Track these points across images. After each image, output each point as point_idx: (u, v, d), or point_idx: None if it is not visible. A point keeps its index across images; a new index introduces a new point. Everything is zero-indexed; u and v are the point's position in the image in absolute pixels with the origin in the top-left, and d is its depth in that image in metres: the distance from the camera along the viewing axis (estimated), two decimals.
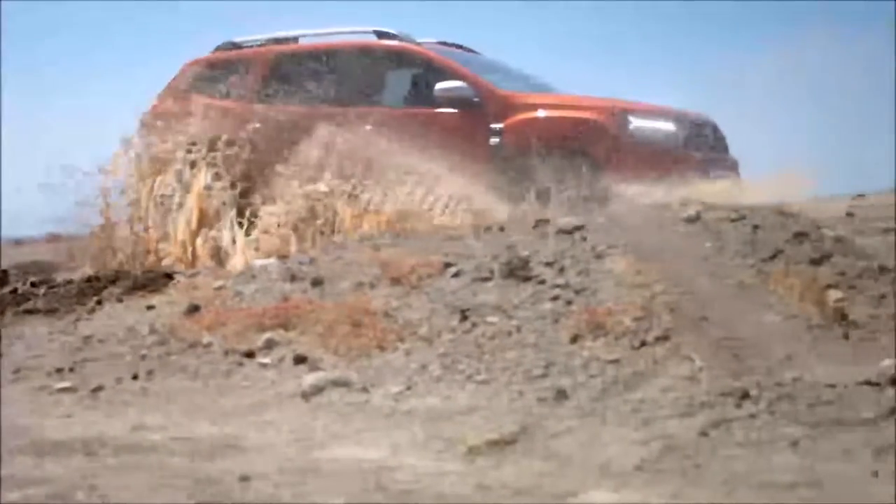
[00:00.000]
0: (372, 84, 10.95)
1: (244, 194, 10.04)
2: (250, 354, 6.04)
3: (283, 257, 7.91)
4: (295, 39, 11.56)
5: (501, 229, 7.53)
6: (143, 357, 6.20)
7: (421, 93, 10.67)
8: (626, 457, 4.20)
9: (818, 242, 6.72)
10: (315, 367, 5.76)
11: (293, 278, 6.97)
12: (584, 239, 7.04)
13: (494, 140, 10.05)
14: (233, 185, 10.00)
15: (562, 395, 5.19)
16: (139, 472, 4.20)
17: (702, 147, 10.43)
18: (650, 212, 7.80)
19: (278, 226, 9.50)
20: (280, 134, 10.34)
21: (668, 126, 10.24)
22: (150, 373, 6.01)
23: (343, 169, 9.80)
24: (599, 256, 6.75)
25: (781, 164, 10.19)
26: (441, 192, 9.36)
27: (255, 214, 9.80)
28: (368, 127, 10.12)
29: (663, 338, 5.69)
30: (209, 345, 6.20)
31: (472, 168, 9.60)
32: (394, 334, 6.06)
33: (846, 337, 5.71)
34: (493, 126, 10.10)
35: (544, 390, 5.27)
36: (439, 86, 10.28)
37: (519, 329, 5.99)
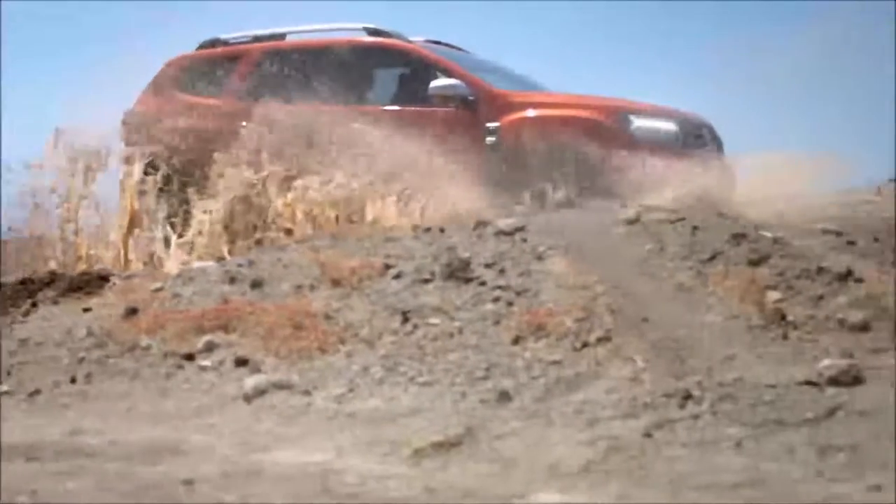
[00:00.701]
0: (362, 82, 10.76)
1: (183, 189, 9.91)
2: (190, 357, 5.97)
3: (220, 259, 7.85)
4: (282, 36, 11.35)
5: (441, 230, 7.51)
6: (81, 360, 6.10)
7: (412, 91, 10.50)
8: (572, 458, 4.20)
9: (756, 244, 6.77)
10: (256, 370, 5.70)
11: (232, 280, 6.90)
12: (525, 240, 7.05)
13: (491, 139, 9.91)
14: (167, 181, 9.89)
15: (505, 396, 5.18)
16: (80, 476, 4.13)
17: (700, 147, 10.31)
18: (590, 213, 7.83)
19: (209, 223, 9.38)
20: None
21: (669, 126, 10.13)
22: (88, 376, 5.93)
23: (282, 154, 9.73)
24: (540, 258, 6.76)
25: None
26: (399, 187, 9.26)
27: (189, 212, 9.68)
28: (356, 125, 9.95)
29: (605, 339, 5.70)
30: (148, 347, 6.12)
31: (460, 166, 9.47)
32: (335, 336, 6.02)
33: (785, 337, 5.74)
34: (489, 125, 9.96)
35: (487, 392, 5.27)
36: (434, 83, 10.14)
37: (461, 330, 5.99)
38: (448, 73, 10.30)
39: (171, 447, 4.58)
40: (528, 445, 4.44)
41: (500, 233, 7.22)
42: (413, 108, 10.30)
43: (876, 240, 7.21)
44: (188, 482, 3.98)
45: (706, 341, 5.69)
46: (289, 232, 9.13)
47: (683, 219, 7.22)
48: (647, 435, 4.42)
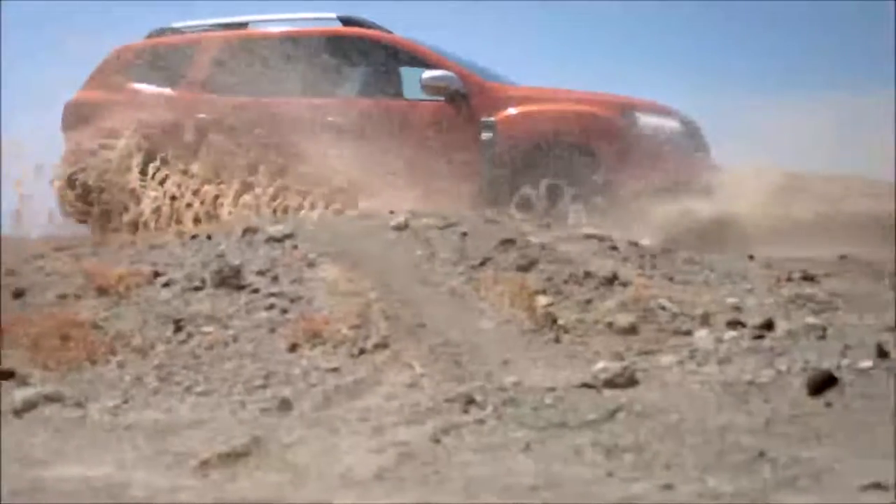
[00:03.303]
0: (334, 74, 10.12)
1: None
2: None
3: None
4: (244, 25, 10.70)
5: (209, 237, 7.39)
6: None
7: (391, 83, 10.05)
8: (363, 465, 4.17)
9: (525, 249, 6.90)
10: (24, 383, 5.47)
11: None
12: (295, 247, 7.01)
13: (487, 135, 9.45)
14: None
15: (285, 404, 5.12)
16: None
17: (698, 148, 10.02)
18: (359, 220, 7.83)
19: None
20: None
21: (673, 123, 9.78)
22: None
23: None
24: (312, 264, 6.73)
25: None
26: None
27: None
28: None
29: (382, 345, 5.72)
30: None
31: (449, 163, 9.19)
32: (105, 346, 5.86)
33: (557, 341, 5.87)
34: (484, 120, 9.52)
35: (266, 400, 5.20)
36: (426, 74, 9.57)
37: (235, 339, 5.91)
38: (434, 65, 9.79)
39: None
40: (318, 454, 4.38)
41: (270, 239, 7.15)
42: (389, 101, 9.87)
43: (635, 244, 7.46)
44: None
45: (482, 346, 5.76)
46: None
47: (452, 224, 7.30)
48: (436, 440, 4.42)
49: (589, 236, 7.48)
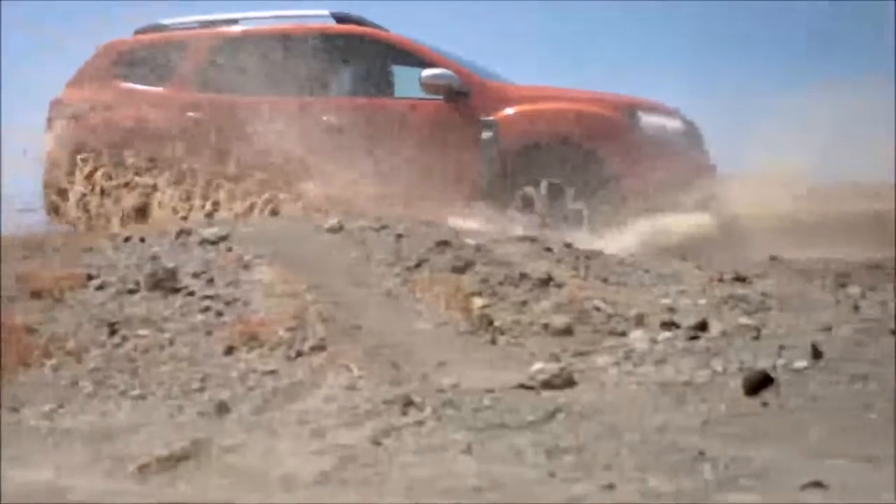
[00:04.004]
0: (328, 72, 9.99)
1: None
2: None
3: None
4: (234, 22, 10.48)
5: (142, 240, 7.34)
6: None
7: (385, 82, 9.93)
8: (305, 468, 4.17)
9: (460, 251, 6.93)
10: None
11: None
12: (230, 249, 6.99)
13: (487, 134, 9.28)
14: None
15: (223, 408, 5.10)
16: None
17: (697, 148, 9.92)
18: (293, 221, 7.82)
19: None
20: None
21: (676, 123, 9.66)
22: None
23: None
24: (247, 267, 6.71)
25: None
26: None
27: None
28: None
29: (319, 347, 5.72)
30: None
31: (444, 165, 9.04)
32: (39, 350, 5.78)
33: (493, 342, 5.91)
34: (484, 119, 9.34)
35: (204, 404, 5.18)
36: (426, 73, 9.40)
37: (171, 342, 5.87)
38: (432, 64, 9.64)
39: None
40: (258, 457, 4.37)
41: (205, 241, 7.12)
42: (384, 100, 9.75)
43: (568, 245, 7.51)
44: None
45: (419, 348, 5.78)
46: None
47: (387, 226, 7.31)
48: (376, 443, 4.43)
49: (522, 238, 7.53)
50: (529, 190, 9.19)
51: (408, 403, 4.86)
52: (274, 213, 8.87)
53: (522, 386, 5.03)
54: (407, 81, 9.90)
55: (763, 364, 4.88)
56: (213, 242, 7.10)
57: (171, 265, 6.66)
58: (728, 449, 3.95)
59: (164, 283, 6.46)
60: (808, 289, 6.76)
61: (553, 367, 5.18)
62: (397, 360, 5.58)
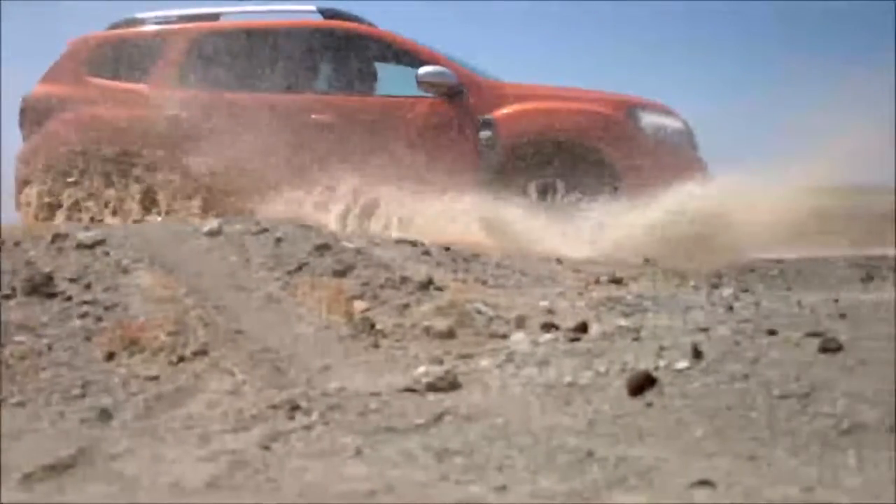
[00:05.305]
0: (313, 69, 9.81)
1: None
2: None
3: None
4: (215, 17, 10.21)
5: (16, 244, 7.21)
6: None
7: (372, 79, 9.74)
8: (194, 474, 4.14)
9: (340, 254, 6.94)
10: None
11: None
12: (107, 254, 6.90)
13: (486, 133, 9.17)
14: None
15: (105, 414, 5.04)
16: None
17: (696, 147, 9.87)
18: (171, 225, 7.75)
19: None
20: None
21: (677, 123, 9.61)
22: None
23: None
24: (125, 271, 6.64)
25: None
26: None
27: None
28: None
29: (201, 352, 5.68)
30: None
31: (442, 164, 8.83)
32: None
33: (376, 346, 5.93)
34: (483, 117, 9.23)
35: (86, 410, 5.10)
36: (422, 70, 9.28)
37: (50, 348, 5.78)
38: (422, 61, 9.54)
39: None
40: (145, 463, 4.33)
41: (81, 246, 7.01)
42: (368, 98, 9.66)
43: (447, 249, 7.57)
44: None
45: (301, 352, 5.78)
46: None
47: (266, 230, 7.29)
48: (265, 448, 4.43)
49: (401, 241, 7.57)
50: (528, 190, 9.19)
51: (294, 408, 4.86)
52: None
53: (408, 389, 5.07)
54: (394, 79, 9.85)
55: (645, 365, 4.98)
56: (90, 247, 7.00)
57: (47, 270, 6.56)
58: (615, 449, 4.03)
59: (41, 288, 6.35)
60: (681, 290, 6.92)
61: (437, 369, 5.22)
62: (281, 365, 5.58)
